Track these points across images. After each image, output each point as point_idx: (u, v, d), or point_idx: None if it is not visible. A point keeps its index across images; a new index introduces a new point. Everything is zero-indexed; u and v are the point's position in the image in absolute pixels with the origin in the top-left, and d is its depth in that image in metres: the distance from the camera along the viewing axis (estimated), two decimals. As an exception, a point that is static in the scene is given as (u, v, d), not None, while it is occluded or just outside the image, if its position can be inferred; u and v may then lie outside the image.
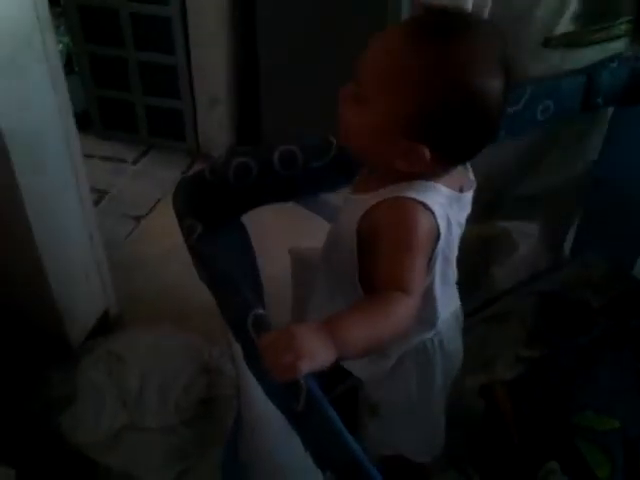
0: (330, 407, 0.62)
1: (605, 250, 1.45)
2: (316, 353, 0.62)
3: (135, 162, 2.28)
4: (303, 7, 1.91)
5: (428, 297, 0.89)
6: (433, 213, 0.78)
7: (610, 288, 1.41)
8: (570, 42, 1.21)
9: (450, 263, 0.91)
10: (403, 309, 0.74)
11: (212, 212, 0.89)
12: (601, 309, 1.36)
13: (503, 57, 0.76)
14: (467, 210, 0.88)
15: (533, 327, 1.39)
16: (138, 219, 2.02)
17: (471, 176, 0.89)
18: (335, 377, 1.21)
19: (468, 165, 0.89)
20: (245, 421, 1.02)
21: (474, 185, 0.89)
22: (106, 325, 1.63)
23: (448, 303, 0.97)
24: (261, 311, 0.70)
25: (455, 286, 0.99)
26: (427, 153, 0.76)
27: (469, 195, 0.88)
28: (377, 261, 0.79)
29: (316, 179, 0.99)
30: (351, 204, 0.88)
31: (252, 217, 0.97)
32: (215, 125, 2.21)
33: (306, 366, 0.61)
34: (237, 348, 0.76)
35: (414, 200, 0.78)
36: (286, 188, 0.98)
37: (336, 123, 0.84)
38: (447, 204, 0.82)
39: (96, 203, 2.03)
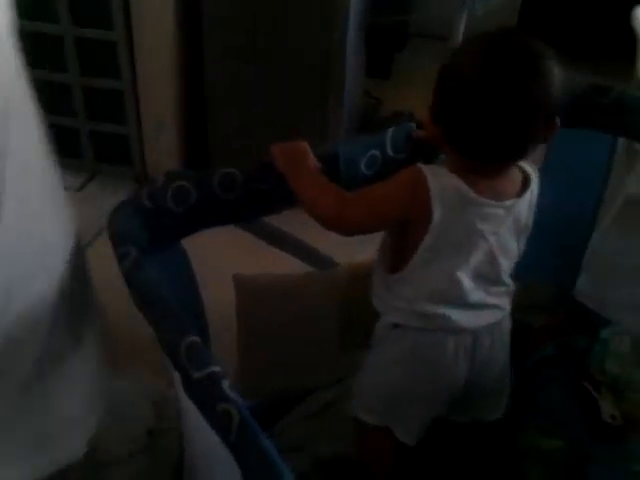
0: (264, 436, 0.61)
1: (545, 272, 1.47)
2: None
3: (80, 189, 2.23)
4: (251, 30, 1.92)
5: (408, 279, 0.96)
6: (426, 180, 0.89)
7: (552, 310, 1.44)
8: None
9: (451, 265, 0.94)
10: (325, 202, 0.92)
11: (150, 237, 0.88)
12: (544, 330, 1.37)
13: (526, 59, 0.85)
14: (493, 223, 0.93)
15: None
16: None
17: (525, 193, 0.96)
18: (275, 411, 1.21)
19: (532, 178, 0.97)
20: (187, 451, 0.99)
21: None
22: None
23: (454, 312, 0.97)
24: (194, 338, 0.68)
25: (481, 306, 0.99)
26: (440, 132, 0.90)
27: (506, 205, 0.93)
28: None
29: (258, 202, 0.99)
30: None
31: (194, 241, 0.96)
32: (162, 150, 2.18)
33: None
34: (176, 376, 0.74)
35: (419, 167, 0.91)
36: (227, 212, 0.97)
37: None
38: (456, 198, 0.89)
39: (39, 231, 1.98)
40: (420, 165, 0.92)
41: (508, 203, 0.92)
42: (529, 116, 0.85)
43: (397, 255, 0.98)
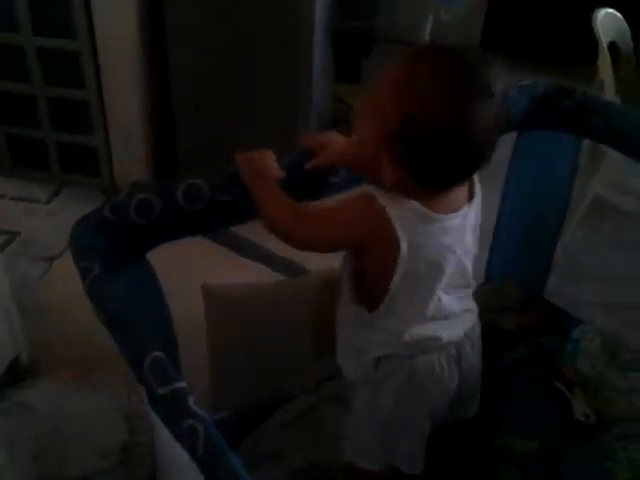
0: (232, 454, 0.60)
1: (515, 273, 1.49)
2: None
3: (48, 201, 2.20)
4: (215, 38, 1.91)
5: (391, 311, 0.93)
6: (384, 209, 0.85)
7: (525, 310, 1.44)
8: None
9: (430, 286, 0.93)
10: (281, 218, 0.91)
11: (114, 250, 0.86)
12: (515, 332, 1.38)
13: (480, 84, 0.80)
14: (455, 234, 0.91)
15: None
16: (51, 260, 1.95)
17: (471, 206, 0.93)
18: (244, 427, 1.19)
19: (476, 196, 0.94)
20: (159, 465, 0.98)
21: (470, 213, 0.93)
22: (16, 373, 1.55)
23: (439, 329, 0.96)
24: (158, 354, 0.67)
25: (458, 314, 0.99)
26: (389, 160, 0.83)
27: (462, 213, 0.91)
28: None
29: (224, 213, 0.98)
30: None
31: (161, 253, 0.94)
32: (131, 160, 2.16)
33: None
34: (144, 390, 0.73)
35: (370, 194, 0.87)
36: (192, 223, 0.96)
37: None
38: (417, 222, 0.86)
39: (6, 245, 1.95)
40: (372, 192, 0.87)
41: (463, 210, 0.92)
42: (494, 145, 0.85)
43: (370, 289, 0.95)
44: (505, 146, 1.40)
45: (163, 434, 0.72)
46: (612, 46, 1.92)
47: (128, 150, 2.14)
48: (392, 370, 0.97)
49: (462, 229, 0.92)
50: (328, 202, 1.00)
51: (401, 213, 0.85)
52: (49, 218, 2.13)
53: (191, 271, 1.32)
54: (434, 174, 0.85)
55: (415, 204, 0.86)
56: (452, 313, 0.97)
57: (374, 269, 0.92)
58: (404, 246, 0.86)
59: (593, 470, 1.15)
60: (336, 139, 1.01)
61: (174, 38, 1.94)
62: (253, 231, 1.01)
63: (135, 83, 2.03)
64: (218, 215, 0.97)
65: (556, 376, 1.28)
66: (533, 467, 1.11)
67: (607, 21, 1.91)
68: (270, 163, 0.95)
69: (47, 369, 1.58)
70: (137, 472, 1.37)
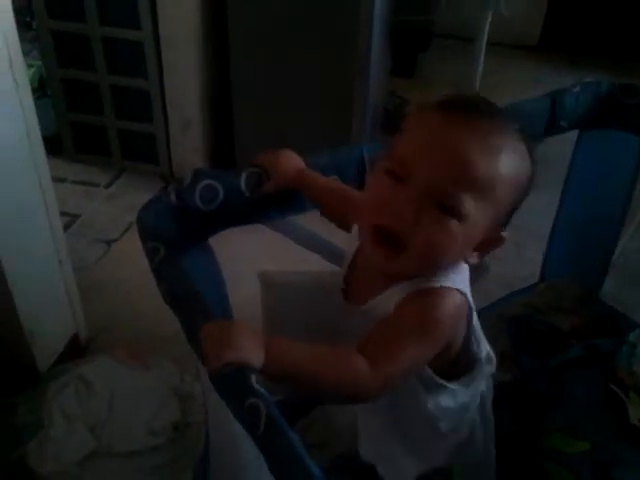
0: (291, 431, 0.62)
1: (572, 272, 1.47)
2: (245, 350, 0.63)
3: (108, 186, 2.27)
4: (275, 29, 1.93)
5: (477, 352, 0.87)
6: (466, 295, 0.77)
7: (580, 311, 1.42)
8: None
9: None
10: (356, 381, 0.68)
11: (178, 235, 0.89)
12: (571, 333, 1.36)
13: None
14: None
15: (504, 351, 1.39)
16: (109, 243, 2.01)
17: None
18: (301, 408, 1.21)
19: None
20: (213, 444, 1.00)
21: None
22: (75, 350, 1.61)
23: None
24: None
25: None
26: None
27: None
28: (379, 325, 0.73)
29: (283, 202, 0.99)
30: (364, 314, 0.82)
31: (221, 239, 0.97)
32: (188, 148, 2.21)
33: (231, 356, 0.62)
34: (202, 368, 0.75)
35: (449, 288, 0.75)
36: (253, 211, 0.97)
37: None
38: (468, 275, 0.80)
39: (67, 227, 2.02)
40: (462, 293, 0.76)
41: None
42: None
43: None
44: (566, 145, 1.38)
45: (220, 414, 0.74)
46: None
47: (186, 139, 2.19)
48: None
49: None
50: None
51: (465, 279, 0.78)
52: (108, 202, 2.19)
53: (250, 258, 1.34)
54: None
55: (464, 265, 0.79)
56: None
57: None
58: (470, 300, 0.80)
59: (649, 477, 1.13)
60: (288, 160, 0.94)
61: (235, 29, 1.96)
62: (313, 221, 1.03)
63: (195, 73, 2.07)
64: (278, 204, 0.99)
65: (611, 379, 1.27)
66: (586, 468, 1.10)
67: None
68: (260, 338, 0.66)
69: (103, 348, 1.63)
70: (188, 451, 1.40)
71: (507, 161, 0.72)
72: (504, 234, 0.77)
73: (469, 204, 0.70)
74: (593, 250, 1.47)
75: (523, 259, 1.87)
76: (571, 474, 1.10)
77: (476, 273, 1.58)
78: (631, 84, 1.27)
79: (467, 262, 0.78)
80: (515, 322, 1.40)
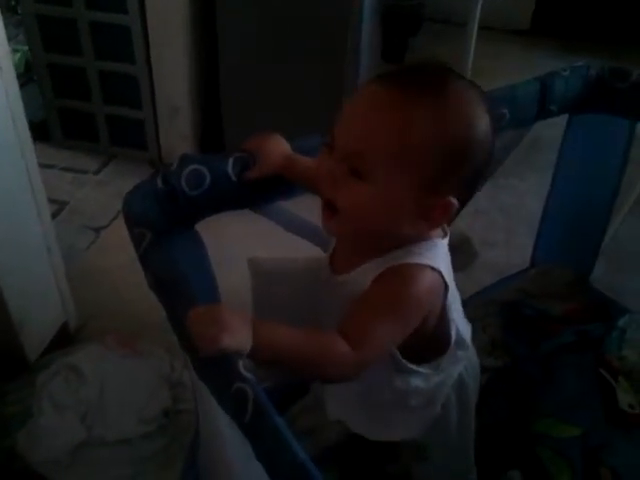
0: (278, 416, 0.61)
1: (563, 257, 1.47)
2: (238, 332, 0.64)
3: (97, 172, 2.24)
4: (263, 14, 1.91)
5: (451, 335, 0.88)
6: (440, 272, 0.77)
7: (571, 297, 1.43)
8: None
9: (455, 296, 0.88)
10: (339, 362, 0.71)
11: (164, 220, 0.88)
12: (562, 318, 1.37)
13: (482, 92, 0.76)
14: None
15: (495, 337, 1.39)
16: (98, 230, 1.99)
17: None
18: (289, 394, 1.21)
19: None
20: (202, 432, 1.00)
21: None
22: (65, 338, 1.60)
23: (468, 329, 0.95)
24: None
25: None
26: (456, 203, 0.75)
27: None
28: (356, 305, 0.75)
29: (271, 187, 0.98)
30: (341, 286, 0.84)
31: (209, 225, 0.96)
32: (177, 134, 2.19)
33: (227, 340, 0.62)
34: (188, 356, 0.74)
35: (421, 265, 0.76)
36: (241, 196, 0.96)
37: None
38: (446, 253, 0.81)
39: (56, 214, 2.00)
40: (421, 262, 0.76)
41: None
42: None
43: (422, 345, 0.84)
44: (556, 129, 1.38)
45: (207, 403, 0.74)
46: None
47: (175, 124, 2.17)
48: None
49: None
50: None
51: (441, 258, 0.79)
52: (97, 189, 2.18)
53: (238, 244, 1.34)
54: (473, 192, 0.79)
55: (439, 240, 0.80)
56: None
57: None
58: (448, 282, 0.80)
59: (637, 460, 1.13)
60: (274, 146, 0.94)
61: (223, 14, 1.94)
62: (301, 207, 1.02)
63: (183, 59, 2.05)
64: (266, 189, 0.98)
65: (601, 364, 1.27)
66: (576, 453, 1.10)
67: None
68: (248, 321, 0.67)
69: (93, 336, 1.62)
70: (178, 439, 1.40)
71: (423, 128, 0.71)
72: (452, 200, 0.74)
73: (378, 168, 0.72)
74: (584, 235, 1.47)
75: (513, 245, 1.87)
76: (562, 459, 1.11)
77: (465, 259, 1.58)
78: (621, 68, 1.26)
79: (424, 233, 0.78)
80: (507, 307, 1.41)
